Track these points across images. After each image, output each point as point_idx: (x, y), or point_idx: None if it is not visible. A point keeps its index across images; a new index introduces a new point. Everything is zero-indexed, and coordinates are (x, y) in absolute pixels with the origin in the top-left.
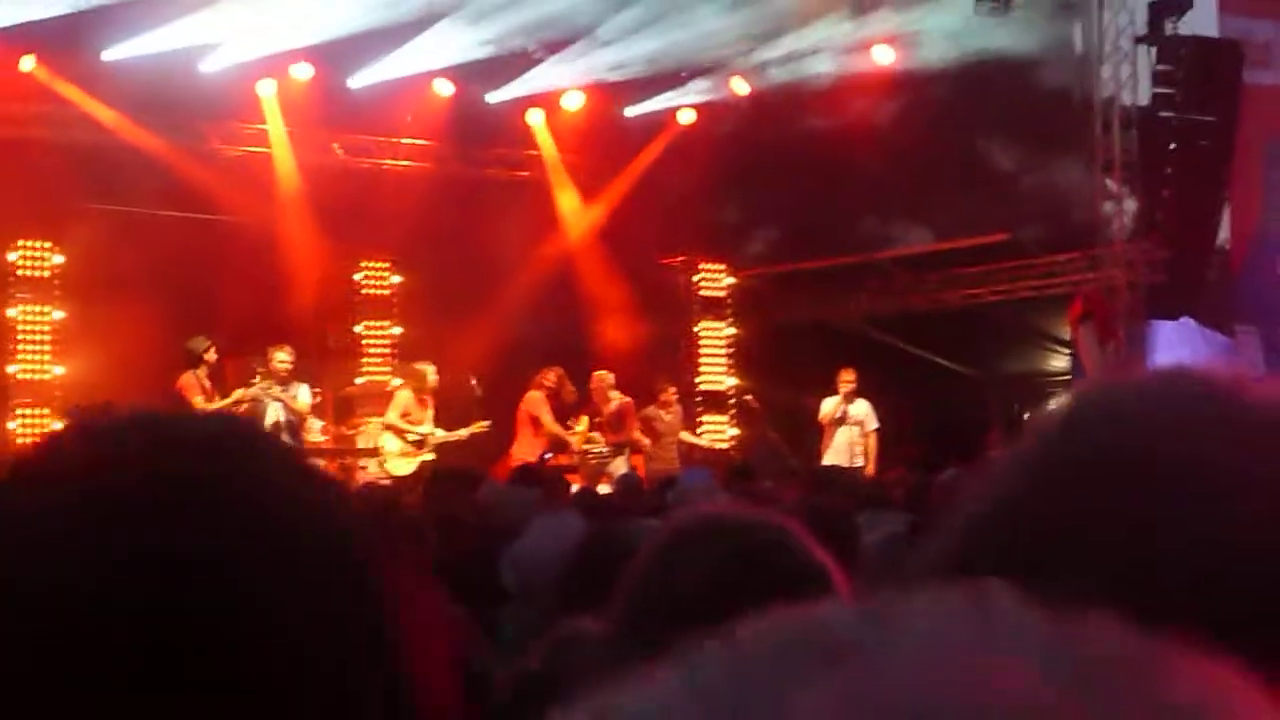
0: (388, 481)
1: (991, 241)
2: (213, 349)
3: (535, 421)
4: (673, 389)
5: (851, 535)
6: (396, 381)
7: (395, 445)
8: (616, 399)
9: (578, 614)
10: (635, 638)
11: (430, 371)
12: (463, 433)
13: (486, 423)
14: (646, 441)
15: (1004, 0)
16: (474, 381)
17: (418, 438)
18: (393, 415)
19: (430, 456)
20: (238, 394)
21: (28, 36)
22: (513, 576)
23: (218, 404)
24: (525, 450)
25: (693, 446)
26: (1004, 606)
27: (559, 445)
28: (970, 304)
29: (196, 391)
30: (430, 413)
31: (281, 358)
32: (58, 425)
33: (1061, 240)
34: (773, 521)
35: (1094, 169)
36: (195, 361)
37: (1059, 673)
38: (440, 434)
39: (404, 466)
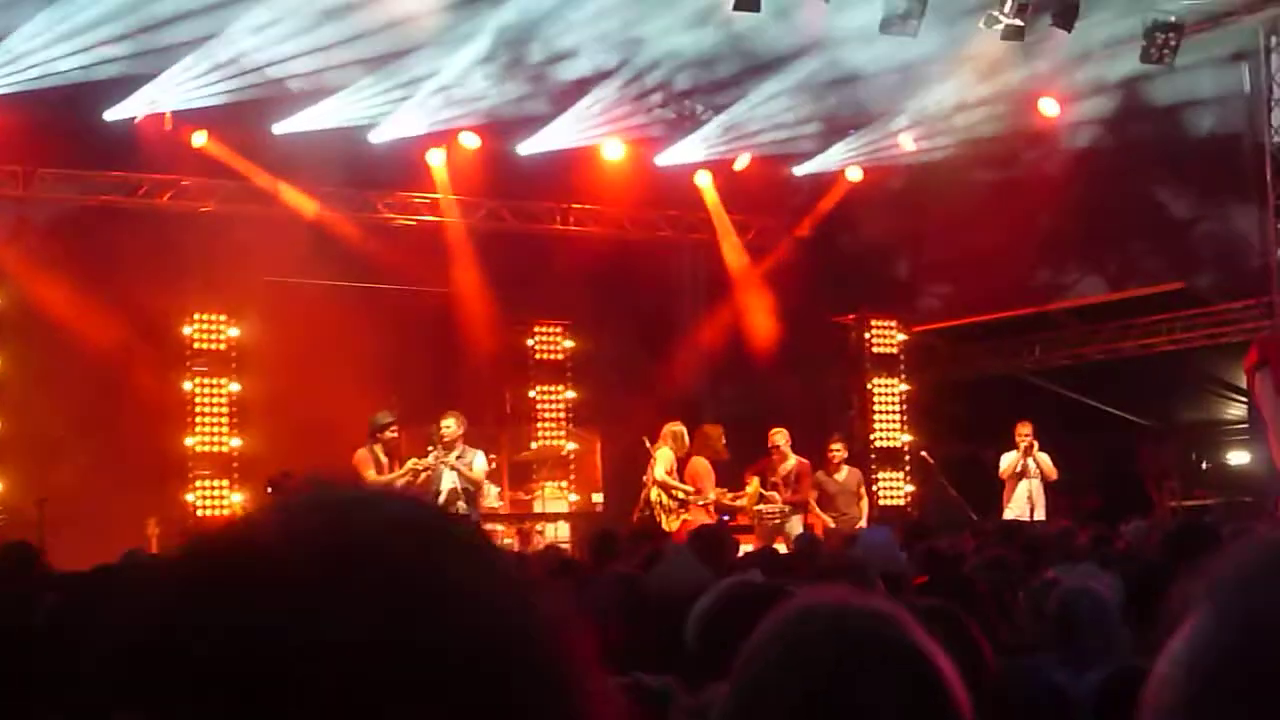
0: (566, 545)
1: (1166, 290)
2: (394, 426)
3: (699, 489)
4: (837, 447)
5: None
6: (571, 446)
7: (669, 503)
8: (793, 460)
9: (716, 673)
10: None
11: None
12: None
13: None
14: (818, 513)
15: (1171, 49)
16: (648, 442)
17: (685, 497)
18: (660, 471)
19: (689, 517)
20: (411, 463)
21: (199, 112)
22: (693, 640)
23: (393, 475)
24: (698, 512)
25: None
26: None
27: (730, 509)
28: (1145, 353)
29: (370, 466)
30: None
31: (447, 425)
32: (239, 497)
33: (1236, 287)
34: (880, 610)
35: (1266, 215)
36: (374, 436)
37: None
38: (712, 495)
39: (670, 524)
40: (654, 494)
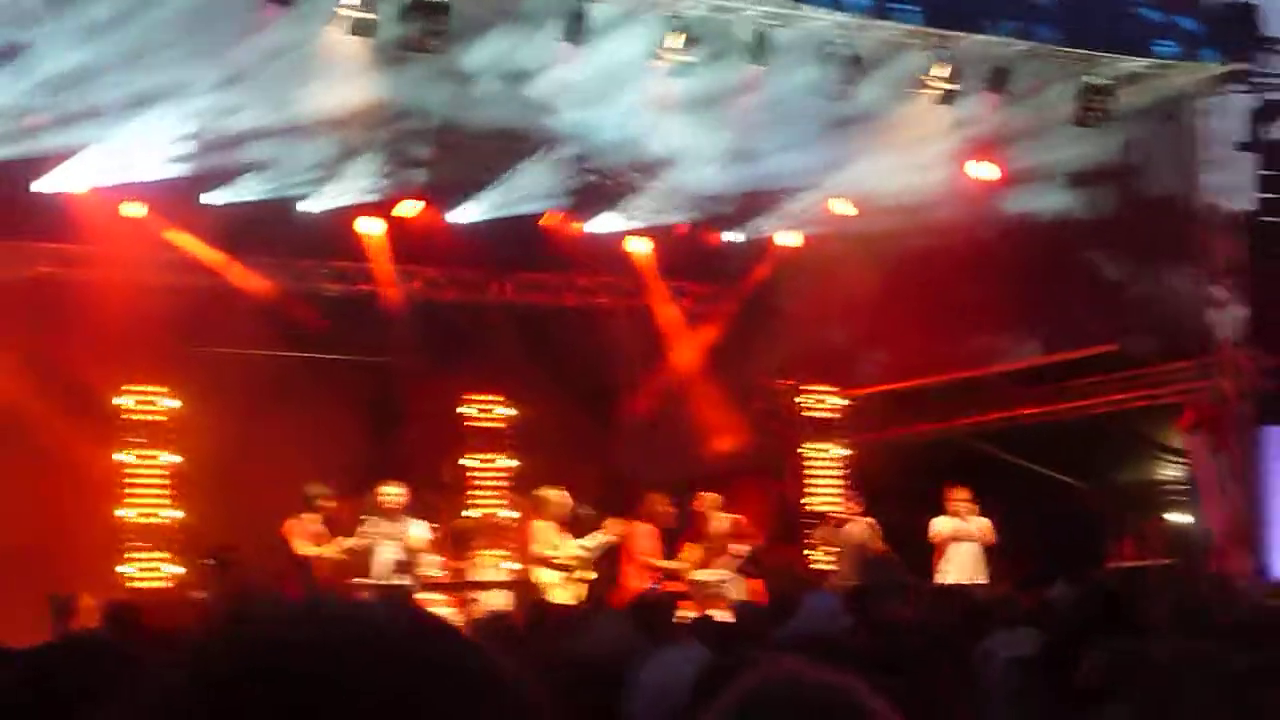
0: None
1: (1100, 352)
2: (329, 497)
3: (641, 554)
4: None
5: (966, 658)
6: (510, 514)
7: (552, 576)
8: (723, 520)
9: None
10: None
11: (564, 496)
12: (599, 538)
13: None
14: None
15: (1103, 111)
16: (583, 510)
17: (569, 563)
18: (538, 548)
19: (591, 577)
20: (350, 541)
21: (130, 185)
22: (637, 709)
23: (329, 548)
24: (635, 579)
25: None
26: None
27: (669, 574)
28: (1080, 415)
29: (300, 536)
30: (569, 538)
31: (388, 493)
32: (177, 569)
33: (1171, 349)
34: (839, 684)
35: (1201, 276)
36: (307, 506)
37: None
38: (582, 552)
39: (565, 595)
40: (540, 575)
